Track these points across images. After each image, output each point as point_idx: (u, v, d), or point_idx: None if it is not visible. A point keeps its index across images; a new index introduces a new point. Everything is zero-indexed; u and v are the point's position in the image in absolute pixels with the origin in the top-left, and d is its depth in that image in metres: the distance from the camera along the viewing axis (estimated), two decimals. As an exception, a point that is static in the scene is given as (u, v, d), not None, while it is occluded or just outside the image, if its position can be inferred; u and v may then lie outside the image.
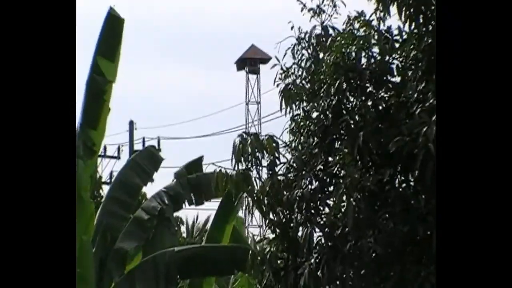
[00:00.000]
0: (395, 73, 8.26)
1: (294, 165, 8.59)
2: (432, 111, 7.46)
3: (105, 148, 21.85)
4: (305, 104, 8.61)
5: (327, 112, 8.30)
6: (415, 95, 7.85)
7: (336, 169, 8.39)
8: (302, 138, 8.65)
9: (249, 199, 8.80)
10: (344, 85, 8.15)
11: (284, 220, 8.66)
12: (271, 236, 8.94)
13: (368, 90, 8.22)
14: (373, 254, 7.92)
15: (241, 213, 12.65)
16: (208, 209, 13.58)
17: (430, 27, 8.26)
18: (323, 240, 8.52)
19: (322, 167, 8.56)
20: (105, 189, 14.53)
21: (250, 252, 9.20)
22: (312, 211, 8.51)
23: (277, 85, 8.70)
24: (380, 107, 8.17)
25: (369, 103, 8.21)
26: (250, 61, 24.04)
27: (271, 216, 8.64)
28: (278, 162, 8.59)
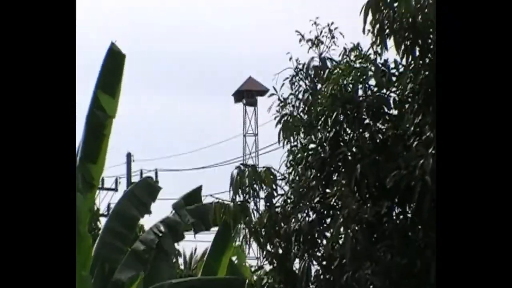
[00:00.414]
0: (392, 106, 8.28)
1: (292, 197, 8.57)
2: (429, 144, 7.56)
3: (102, 180, 21.61)
4: (302, 136, 8.63)
5: (324, 144, 8.29)
6: (412, 128, 7.89)
7: (333, 200, 8.29)
8: (299, 170, 8.59)
9: (247, 230, 8.82)
10: (341, 117, 8.16)
11: (281, 252, 8.63)
12: (268, 267, 8.96)
13: (365, 122, 8.21)
14: (371, 286, 7.84)
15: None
16: (206, 241, 13.46)
17: (427, 60, 8.19)
18: (320, 272, 8.48)
19: (319, 199, 8.55)
20: (102, 221, 14.35)
21: (246, 283, 9.41)
22: (310, 243, 8.47)
23: (275, 117, 8.77)
24: (377, 140, 8.19)
25: (367, 135, 8.19)
26: (248, 93, 24.15)
27: (268, 247, 8.62)
28: (275, 194, 8.59)
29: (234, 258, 12.58)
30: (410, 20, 8.32)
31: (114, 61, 10.65)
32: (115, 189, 23.37)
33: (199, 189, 12.70)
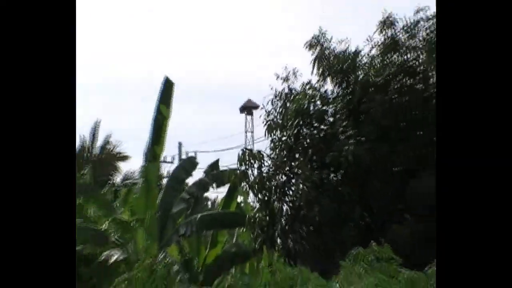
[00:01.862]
0: (330, 115, 8.62)
1: (272, 167, 8.91)
2: (350, 137, 7.94)
3: (165, 157, 22.97)
4: (278, 132, 8.85)
5: (291, 137, 8.59)
6: (341, 129, 8.13)
7: (296, 169, 8.58)
8: (277, 152, 8.91)
9: (247, 186, 9.07)
10: (301, 122, 8.45)
11: (266, 198, 8.82)
12: (258, 207, 9.21)
13: (314, 125, 8.46)
14: (317, 219, 8.15)
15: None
16: (223, 192, 13.79)
17: (349, 90, 8.34)
18: (288, 211, 8.69)
19: (288, 169, 8.70)
20: (164, 181, 14.92)
21: (247, 216, 9.46)
22: (282, 193, 8.72)
23: (263, 122, 9.02)
24: (321, 135, 8.40)
25: (315, 132, 8.40)
26: (247, 109, 25.26)
27: (259, 196, 8.88)
28: (263, 166, 8.88)
29: (239, 200, 12.75)
30: (339, 67, 8.41)
31: (168, 87, 11.09)
32: (172, 162, 24.74)
33: (217, 162, 13.15)
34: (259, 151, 8.65)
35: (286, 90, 8.50)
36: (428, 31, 7.94)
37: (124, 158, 18.60)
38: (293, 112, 8.12)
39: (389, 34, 8.07)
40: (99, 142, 17.72)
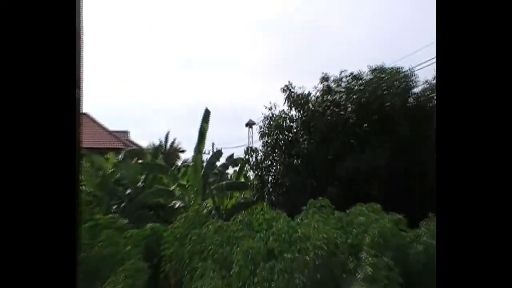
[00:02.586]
0: (294, 128, 11.02)
1: (264, 157, 11.36)
2: (305, 140, 10.22)
3: (205, 151, 27.43)
4: (266, 138, 11.37)
5: (273, 140, 11.21)
6: (300, 135, 10.85)
7: (276, 158, 11.14)
8: (266, 148, 11.28)
9: (249, 167, 11.73)
10: (279, 132, 11.17)
11: (259, 173, 11.42)
12: (255, 178, 11.90)
13: (285, 133, 11.18)
14: (287, 184, 10.72)
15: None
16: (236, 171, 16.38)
17: (305, 114, 10.90)
18: (273, 180, 11.18)
19: (271, 157, 11.31)
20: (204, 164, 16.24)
21: (249, 183, 12.21)
22: (268, 171, 11.29)
23: (258, 133, 11.55)
24: (289, 139, 11.03)
25: (286, 137, 11.19)
26: (249, 124, 28.67)
27: (256, 172, 11.49)
28: (259, 157, 11.38)
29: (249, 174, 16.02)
30: (299, 102, 11.12)
31: (206, 113, 13.11)
32: (208, 154, 29.26)
33: (232, 155, 15.53)
34: (256, 148, 11.78)
35: (271, 115, 11.42)
36: (346, 83, 11.34)
37: (182, 151, 27.35)
38: (274, 127, 11.12)
39: (326, 84, 11.34)
40: (169, 142, 26.66)
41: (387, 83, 9.84)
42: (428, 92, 10.06)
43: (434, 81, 9.83)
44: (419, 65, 13.08)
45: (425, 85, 10.16)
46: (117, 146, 18.53)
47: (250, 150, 11.19)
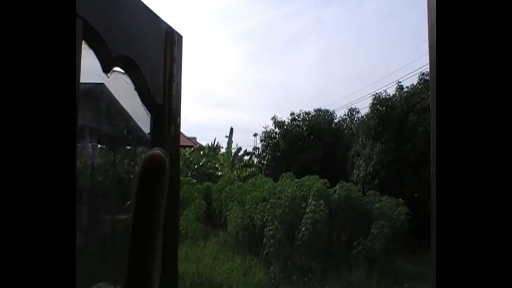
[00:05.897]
0: (276, 139, 21.65)
1: (262, 152, 22.03)
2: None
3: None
4: (263, 142, 21.91)
5: (266, 145, 21.92)
6: (280, 143, 21.58)
7: (267, 153, 22.04)
8: (263, 148, 22.09)
9: (255, 156, 22.76)
10: (269, 140, 21.88)
11: (261, 161, 22.06)
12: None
13: (273, 141, 21.71)
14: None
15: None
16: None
17: (283, 130, 21.29)
18: (266, 163, 22.04)
19: (265, 153, 22.08)
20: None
21: (255, 164, 22.99)
22: (264, 159, 22.02)
23: (260, 140, 22.60)
24: (275, 143, 21.47)
25: (272, 143, 21.79)
26: (255, 135, 33.91)
27: (258, 159, 22.45)
28: (260, 151, 22.72)
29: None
30: (281, 124, 21.14)
31: (231, 132, 22.72)
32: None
33: (246, 150, 26.90)
34: (258, 147, 22.55)
35: (266, 130, 22.02)
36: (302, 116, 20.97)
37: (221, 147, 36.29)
38: (267, 137, 21.74)
39: (293, 116, 21.05)
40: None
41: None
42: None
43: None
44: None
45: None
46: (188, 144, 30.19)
47: (255, 148, 22.44)
